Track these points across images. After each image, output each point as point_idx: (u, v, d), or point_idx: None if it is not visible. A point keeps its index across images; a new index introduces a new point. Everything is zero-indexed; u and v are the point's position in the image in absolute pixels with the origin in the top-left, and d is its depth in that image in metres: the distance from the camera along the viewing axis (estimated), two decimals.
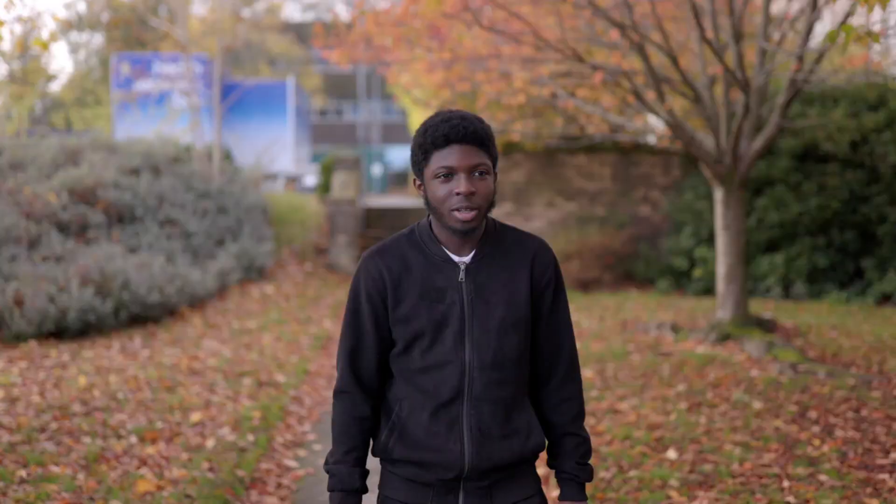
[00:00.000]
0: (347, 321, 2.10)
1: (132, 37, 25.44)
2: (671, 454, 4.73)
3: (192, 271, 10.39)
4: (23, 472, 4.48)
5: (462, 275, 2.04)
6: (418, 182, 2.06)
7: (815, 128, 11.35)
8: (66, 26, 30.69)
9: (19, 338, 8.11)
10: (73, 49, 33.55)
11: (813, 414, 5.47)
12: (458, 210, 1.98)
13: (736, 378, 6.47)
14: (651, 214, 13.73)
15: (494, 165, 2.04)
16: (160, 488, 4.27)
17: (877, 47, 11.84)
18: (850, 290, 11.30)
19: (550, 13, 7.21)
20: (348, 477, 2.05)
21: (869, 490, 4.09)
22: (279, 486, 4.65)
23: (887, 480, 4.22)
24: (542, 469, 3.89)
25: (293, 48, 36.23)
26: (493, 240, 2.08)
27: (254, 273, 12.41)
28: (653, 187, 13.79)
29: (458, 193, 1.97)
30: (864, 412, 5.50)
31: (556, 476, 2.12)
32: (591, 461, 4.68)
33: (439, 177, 1.99)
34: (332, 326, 9.68)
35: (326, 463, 2.10)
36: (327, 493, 4.43)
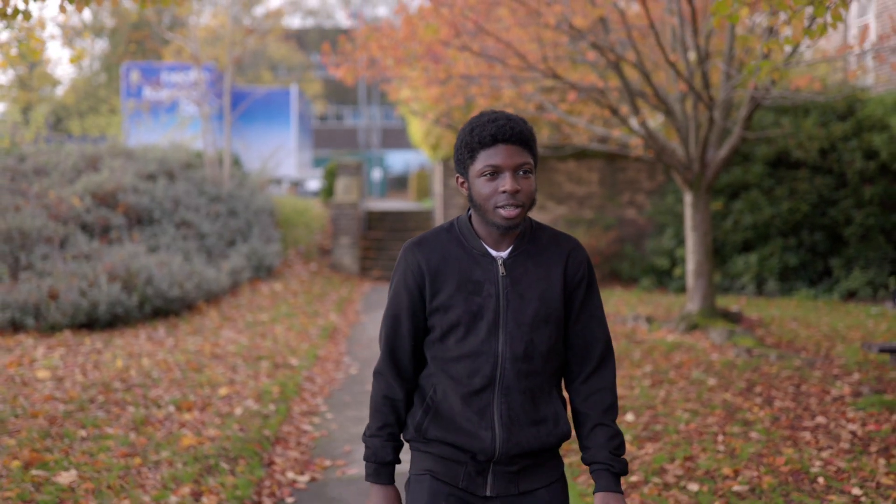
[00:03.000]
0: (387, 308, 2.19)
1: (149, 49, 26.28)
2: (629, 417, 5.58)
3: (207, 269, 11.23)
4: (83, 433, 5.32)
5: (501, 268, 2.10)
6: (461, 179, 2.12)
7: (787, 136, 12.21)
8: (76, 34, 31.55)
9: (54, 328, 8.96)
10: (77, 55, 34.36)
11: (758, 389, 6.31)
12: (503, 207, 2.03)
13: (697, 361, 7.31)
14: (636, 217, 14.59)
15: (536, 165, 2.09)
16: (201, 443, 5.11)
17: (852, 59, 12.67)
18: (818, 288, 12.14)
19: (534, 39, 8.07)
20: (381, 450, 2.15)
21: (789, 443, 4.93)
22: (299, 444, 5.50)
23: (807, 436, 5.06)
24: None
25: (294, 54, 37.04)
26: (529, 236, 2.14)
27: (263, 272, 13.27)
28: (638, 191, 14.65)
29: (503, 191, 2.02)
30: (803, 387, 6.35)
31: (591, 469, 2.12)
32: None
33: (485, 175, 2.04)
34: (338, 319, 10.53)
35: (364, 434, 2.20)
36: (339, 449, 5.26)
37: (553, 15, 7.64)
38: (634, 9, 9.66)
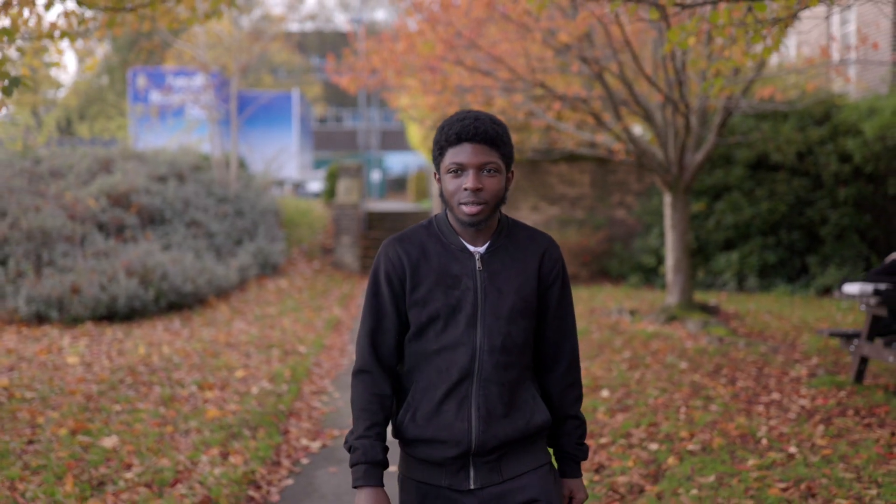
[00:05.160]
0: (368, 304, 2.21)
1: (152, 52, 26.90)
2: (604, 393, 6.24)
3: (217, 266, 11.90)
4: (117, 407, 5.97)
5: (478, 263, 2.16)
6: (437, 175, 2.19)
7: (766, 140, 12.89)
8: (73, 38, 31.98)
9: (76, 320, 9.63)
10: (81, 58, 35.02)
11: (724, 371, 6.98)
12: (465, 204, 2.09)
13: (672, 348, 7.98)
14: (626, 217, 15.26)
15: (508, 165, 2.15)
16: (224, 415, 5.77)
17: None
18: (796, 284, 12.81)
19: (521, 54, 8.74)
20: (371, 450, 2.11)
21: (742, 414, 5.59)
22: (310, 417, 6.16)
23: (760, 409, 5.73)
24: None
25: (294, 58, 37.65)
26: (506, 233, 2.21)
27: (269, 269, 13.94)
28: (628, 193, 15.32)
29: (466, 189, 2.08)
30: (765, 370, 7.01)
31: (556, 455, 2.26)
32: None
33: (451, 172, 2.11)
34: (341, 313, 11.19)
35: (346, 442, 2.16)
36: (346, 421, 5.91)
37: (540, 30, 8.30)
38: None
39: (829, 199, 12.80)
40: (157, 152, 15.52)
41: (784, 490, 4.10)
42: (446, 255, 2.16)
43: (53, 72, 28.86)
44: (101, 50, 35.54)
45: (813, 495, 4.01)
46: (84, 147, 16.13)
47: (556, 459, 2.25)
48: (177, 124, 19.14)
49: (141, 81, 22.20)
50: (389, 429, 2.21)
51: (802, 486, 4.12)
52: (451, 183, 2.11)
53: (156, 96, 21.25)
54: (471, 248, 2.17)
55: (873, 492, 3.99)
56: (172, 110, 19.50)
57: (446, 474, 2.14)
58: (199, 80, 19.58)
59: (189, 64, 20.16)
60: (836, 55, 13.17)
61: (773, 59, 13.79)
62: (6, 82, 5.36)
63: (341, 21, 49.32)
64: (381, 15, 48.64)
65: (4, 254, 10.68)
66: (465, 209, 2.10)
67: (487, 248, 2.17)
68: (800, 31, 11.78)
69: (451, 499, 2.14)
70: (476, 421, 2.11)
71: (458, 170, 2.10)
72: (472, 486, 2.13)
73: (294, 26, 44.55)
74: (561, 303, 2.22)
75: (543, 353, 2.24)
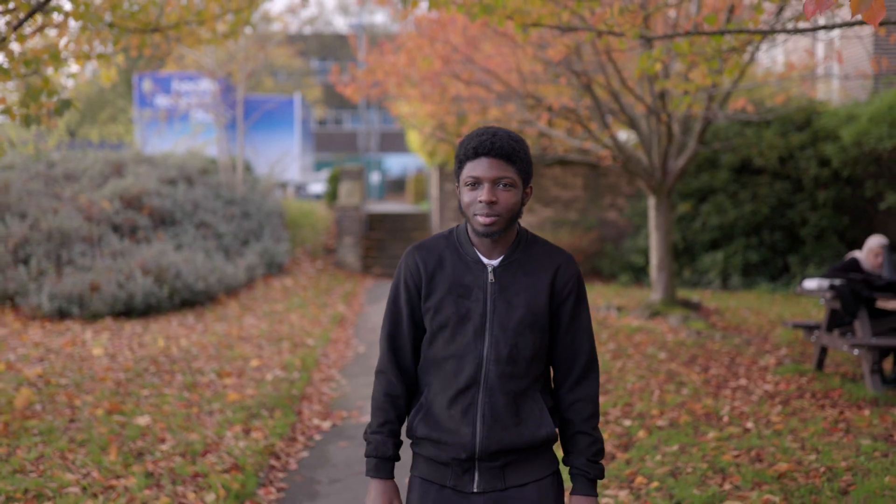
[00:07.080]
0: (388, 308, 2.32)
1: (153, 56, 27.48)
2: None
3: (226, 266, 12.50)
4: (145, 392, 6.59)
5: (490, 275, 2.22)
6: (458, 188, 2.26)
7: (750, 145, 13.53)
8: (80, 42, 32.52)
9: (96, 316, 10.24)
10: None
11: (699, 360, 7.60)
12: (479, 215, 2.16)
13: (654, 340, 8.60)
14: (617, 219, 15.89)
15: (526, 180, 2.22)
16: (243, 399, 6.38)
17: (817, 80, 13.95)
18: (777, 282, 13.45)
19: (513, 69, 9.38)
20: (382, 446, 2.26)
21: (710, 396, 6.22)
22: (321, 401, 6.78)
23: (727, 392, 6.35)
24: None
25: (294, 60, 38.25)
26: (523, 247, 2.26)
27: (274, 268, 14.56)
28: (619, 195, 15.95)
29: (480, 201, 2.15)
30: (737, 359, 7.63)
31: (570, 471, 2.27)
32: None
33: (468, 185, 2.18)
34: (345, 310, 11.81)
35: (365, 432, 2.31)
36: (354, 404, 6.54)
37: (531, 44, 8.93)
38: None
39: (809, 201, 13.43)
40: (166, 156, 16.12)
41: (736, 456, 4.72)
42: (461, 265, 2.24)
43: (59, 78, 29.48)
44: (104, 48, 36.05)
45: (760, 460, 4.63)
46: (93, 150, 16.73)
47: (570, 476, 2.28)
48: (183, 128, 19.74)
49: (147, 86, 22.77)
50: (404, 427, 2.33)
51: (752, 453, 4.74)
52: (467, 195, 2.19)
53: (162, 101, 21.83)
54: (485, 260, 2.24)
55: (812, 457, 4.61)
56: (179, 115, 20.08)
57: (452, 475, 2.23)
58: (204, 84, 20.19)
59: (190, 68, 20.75)
60: (817, 64, 13.76)
61: (759, 69, 14.43)
62: (49, 102, 5.97)
63: (341, 24, 50.02)
64: (380, 18, 49.32)
65: (26, 253, 11.29)
66: (480, 219, 2.18)
67: (501, 262, 2.23)
68: (784, 40, 12.41)
69: (454, 500, 2.23)
70: (480, 427, 2.18)
71: (475, 183, 2.17)
72: (475, 490, 2.22)
73: (293, 28, 45.21)
74: (574, 319, 2.26)
75: (556, 368, 2.29)
